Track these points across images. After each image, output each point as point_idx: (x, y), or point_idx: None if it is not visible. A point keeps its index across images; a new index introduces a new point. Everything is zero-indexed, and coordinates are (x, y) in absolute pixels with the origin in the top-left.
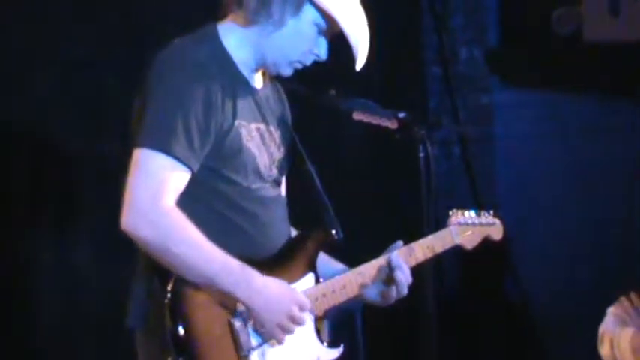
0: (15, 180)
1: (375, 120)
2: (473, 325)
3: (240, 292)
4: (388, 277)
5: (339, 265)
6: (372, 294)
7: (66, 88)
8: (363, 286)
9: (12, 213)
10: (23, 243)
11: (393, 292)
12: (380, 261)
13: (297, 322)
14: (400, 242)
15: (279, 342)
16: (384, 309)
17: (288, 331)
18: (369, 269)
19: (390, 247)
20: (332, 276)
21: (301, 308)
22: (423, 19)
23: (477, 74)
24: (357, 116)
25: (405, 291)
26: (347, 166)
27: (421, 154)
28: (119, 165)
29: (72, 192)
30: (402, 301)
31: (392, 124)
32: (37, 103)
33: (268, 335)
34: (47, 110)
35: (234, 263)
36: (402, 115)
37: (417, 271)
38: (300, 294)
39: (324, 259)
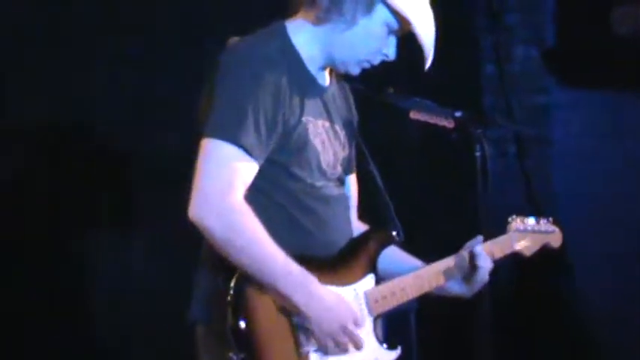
0: (69, 181)
1: (432, 119)
2: (528, 326)
3: (297, 297)
4: (470, 267)
5: (416, 262)
6: (454, 287)
7: (119, 87)
8: (430, 285)
9: (67, 213)
10: (78, 243)
11: (476, 282)
12: (457, 256)
13: (350, 336)
14: (480, 237)
15: (329, 353)
16: (438, 309)
17: (340, 344)
18: (442, 266)
19: (471, 242)
20: (401, 274)
21: (356, 323)
22: (479, 17)
23: (533, 73)
24: (414, 115)
25: (486, 277)
26: (402, 164)
27: (477, 154)
28: (174, 164)
29: (126, 192)
30: (456, 302)
31: (449, 124)
32: (89, 103)
33: (319, 344)
34: (101, 110)
35: (295, 267)
36: (458, 114)
37: None
38: (355, 310)
39: (398, 256)
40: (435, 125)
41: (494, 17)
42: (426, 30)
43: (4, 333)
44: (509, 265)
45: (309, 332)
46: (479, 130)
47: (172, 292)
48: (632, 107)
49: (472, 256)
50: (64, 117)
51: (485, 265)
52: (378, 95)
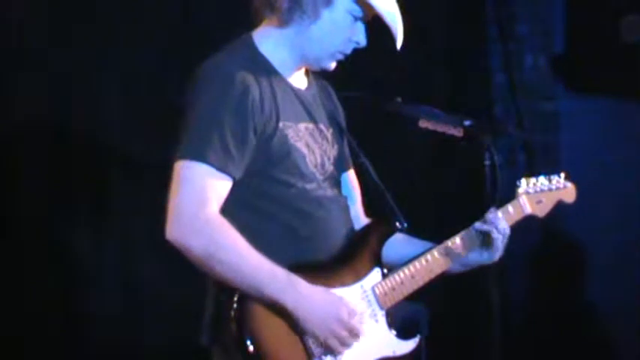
0: (78, 188)
1: (440, 128)
2: (539, 341)
3: (287, 300)
4: (485, 237)
5: (424, 246)
6: (475, 257)
7: (129, 97)
8: (440, 266)
9: (76, 220)
10: (87, 250)
11: (497, 248)
12: (466, 231)
13: (348, 327)
14: (493, 208)
15: (337, 353)
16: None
17: (342, 339)
18: (450, 246)
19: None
20: (408, 260)
21: (351, 315)
22: (488, 26)
23: (542, 81)
24: (423, 124)
25: (504, 241)
26: (410, 172)
27: (486, 162)
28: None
29: (136, 200)
30: (465, 316)
31: (458, 132)
32: (100, 111)
33: (325, 345)
34: (113, 119)
35: (280, 271)
36: (467, 123)
37: (482, 288)
38: (348, 303)
39: (406, 243)
40: (444, 134)
41: (503, 27)
42: (389, 10)
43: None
44: (521, 278)
45: (314, 336)
46: (488, 139)
47: (185, 304)
48: None
49: (487, 223)
50: (74, 124)
51: (502, 228)
52: (386, 104)
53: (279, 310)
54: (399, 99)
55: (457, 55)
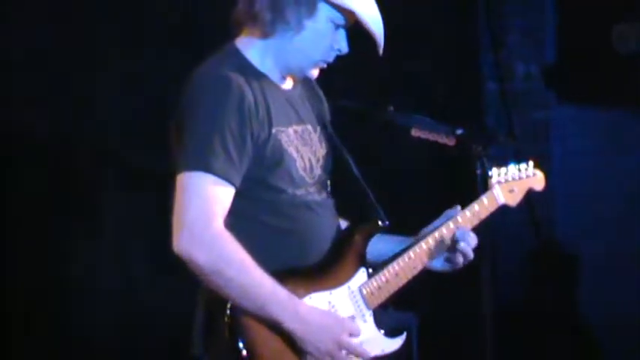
0: (75, 194)
1: (432, 137)
2: (532, 344)
3: (287, 320)
4: (452, 246)
5: (403, 242)
6: (437, 264)
7: (128, 104)
8: (422, 262)
9: (71, 227)
10: (82, 258)
11: (460, 259)
12: (439, 232)
13: (348, 348)
14: (458, 207)
15: None
16: (440, 333)
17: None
18: (431, 242)
19: (447, 212)
20: (389, 257)
21: (351, 333)
22: (480, 35)
23: (534, 90)
24: (415, 133)
25: (471, 256)
26: (401, 181)
27: (478, 171)
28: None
29: (132, 207)
30: (458, 322)
31: (450, 141)
32: (98, 118)
33: None
34: (110, 125)
35: (282, 292)
36: (459, 131)
37: (475, 292)
38: (348, 321)
39: (385, 240)
40: (436, 143)
41: (495, 36)
42: (371, 16)
43: None
44: (515, 279)
45: (313, 355)
46: (479, 148)
47: (178, 313)
48: (632, 124)
49: (454, 239)
50: (71, 131)
51: (468, 245)
52: (379, 113)
53: (276, 327)
54: (392, 108)
55: (449, 64)
